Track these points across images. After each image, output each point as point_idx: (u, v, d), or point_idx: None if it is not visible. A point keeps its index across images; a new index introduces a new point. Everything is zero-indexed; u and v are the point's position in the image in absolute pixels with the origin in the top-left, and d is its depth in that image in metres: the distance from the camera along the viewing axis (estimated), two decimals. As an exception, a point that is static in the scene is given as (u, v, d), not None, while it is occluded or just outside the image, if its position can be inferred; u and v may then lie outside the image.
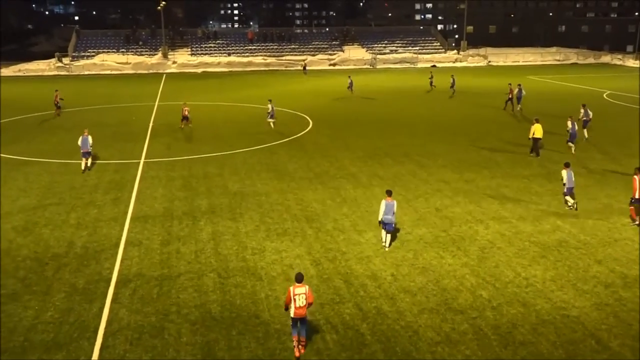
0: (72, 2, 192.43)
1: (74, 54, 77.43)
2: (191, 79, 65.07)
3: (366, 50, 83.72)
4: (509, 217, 19.17)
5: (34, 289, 14.42)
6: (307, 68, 73.44)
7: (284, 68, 77.00)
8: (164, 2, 79.72)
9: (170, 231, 18.11)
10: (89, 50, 78.20)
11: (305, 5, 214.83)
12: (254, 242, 17.19)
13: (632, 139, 30.46)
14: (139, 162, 26.72)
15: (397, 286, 14.45)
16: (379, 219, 16.47)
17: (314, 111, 40.58)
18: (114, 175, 24.51)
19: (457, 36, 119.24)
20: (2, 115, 39.80)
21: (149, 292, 14.26)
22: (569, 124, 28.17)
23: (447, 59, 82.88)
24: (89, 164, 25.59)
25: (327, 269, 15.36)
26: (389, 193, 16.50)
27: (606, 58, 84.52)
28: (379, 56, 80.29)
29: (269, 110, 34.83)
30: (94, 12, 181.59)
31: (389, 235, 16.64)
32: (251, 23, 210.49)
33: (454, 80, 48.53)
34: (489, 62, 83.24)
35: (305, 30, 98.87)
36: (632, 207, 18.37)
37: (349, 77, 51.86)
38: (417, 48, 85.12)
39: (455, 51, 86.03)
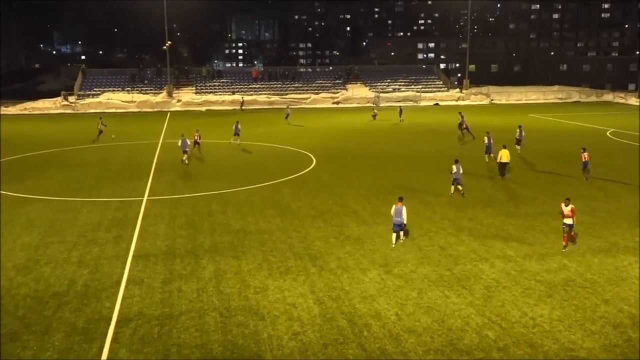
0: (79, 42, 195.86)
1: (79, 92, 78.40)
2: (195, 117, 65.62)
3: (369, 89, 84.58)
4: (514, 255, 19.03)
5: (33, 329, 14.26)
6: (243, 107, 74.52)
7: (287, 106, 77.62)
8: (169, 42, 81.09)
9: (172, 269, 18.00)
10: (95, 89, 79.18)
11: (309, 45, 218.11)
12: (257, 280, 17.06)
13: (635, 176, 30.43)
14: (142, 200, 26.75)
15: (402, 326, 14.25)
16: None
17: (318, 149, 40.77)
18: (117, 213, 24.51)
19: (459, 75, 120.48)
20: (8, 153, 40.01)
21: (149, 331, 14.09)
22: (485, 138, 35.17)
23: (449, 97, 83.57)
24: (186, 161, 35.19)
25: (330, 308, 15.19)
26: (400, 199, 19.92)
27: (608, 96, 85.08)
28: (382, 94, 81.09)
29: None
30: (101, 52, 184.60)
31: (401, 233, 20.04)
32: (255, 62, 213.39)
33: (401, 110, 58.27)
34: (492, 100, 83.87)
35: (309, 69, 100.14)
36: (565, 234, 19.56)
37: (288, 106, 60.52)
38: (420, 86, 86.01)
39: (457, 89, 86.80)
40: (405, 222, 19.63)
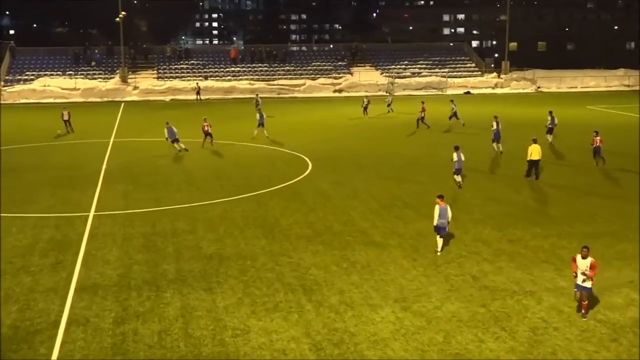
0: (7, 12, 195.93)
1: (7, 77, 78.58)
2: (157, 109, 65.70)
3: (381, 73, 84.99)
4: (569, 287, 18.99)
5: (-55, 382, 14.22)
6: (203, 97, 75.19)
7: (276, 95, 77.91)
8: (123, 13, 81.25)
9: (127, 306, 17.97)
10: (27, 73, 79.38)
11: (304, 17, 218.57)
12: (236, 320, 17.04)
13: None
14: (88, 216, 26.75)
15: (423, 379, 14.25)
16: (434, 224, 21.52)
17: (314, 150, 40.89)
18: (55, 233, 24.50)
19: (496, 55, 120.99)
20: None
21: (96, 386, 14.05)
22: (494, 124, 39.02)
23: (484, 83, 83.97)
24: (183, 147, 40.02)
25: (330, 356, 15.18)
26: (441, 197, 21.67)
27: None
28: (397, 80, 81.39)
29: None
30: (35, 25, 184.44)
31: (441, 240, 21.78)
32: (235, 39, 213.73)
33: (390, 101, 62.22)
34: (538, 87, 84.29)
35: (304, 48, 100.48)
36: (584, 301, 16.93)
37: (257, 94, 65.29)
38: (446, 70, 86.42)
39: (494, 74, 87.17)
40: (449, 222, 21.75)
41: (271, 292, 18.79)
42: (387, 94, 67.47)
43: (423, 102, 52.32)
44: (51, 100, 73.77)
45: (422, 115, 50.34)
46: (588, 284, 16.74)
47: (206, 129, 41.84)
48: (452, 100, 53.16)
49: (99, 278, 19.98)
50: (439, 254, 21.62)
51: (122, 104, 70.56)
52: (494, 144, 39.07)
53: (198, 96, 73.97)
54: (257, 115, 46.35)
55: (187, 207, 28.00)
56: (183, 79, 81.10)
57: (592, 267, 16.69)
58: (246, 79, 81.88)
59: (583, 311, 16.94)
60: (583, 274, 16.65)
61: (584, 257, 16.73)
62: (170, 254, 22.08)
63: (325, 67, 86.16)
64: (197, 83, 76.54)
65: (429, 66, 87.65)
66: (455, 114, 51.36)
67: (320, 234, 24.25)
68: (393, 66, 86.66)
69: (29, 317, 17.27)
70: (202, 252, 22.24)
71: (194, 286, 19.28)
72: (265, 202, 28.78)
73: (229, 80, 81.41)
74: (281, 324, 16.79)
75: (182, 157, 39.21)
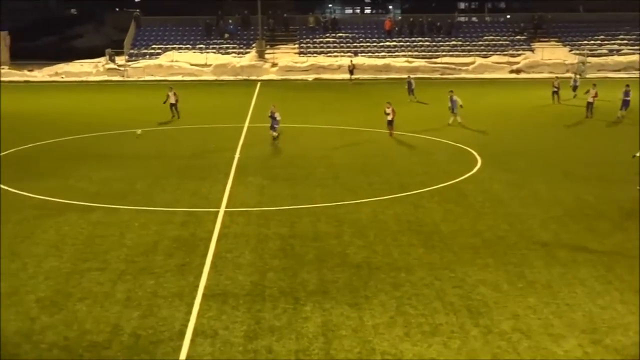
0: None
1: (132, 50, 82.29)
2: (298, 90, 66.85)
3: (570, 50, 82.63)
4: None
5: (61, 393, 15.07)
6: (354, 76, 74.66)
7: (439, 75, 77.43)
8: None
9: (260, 318, 18.37)
10: (153, 46, 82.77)
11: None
12: (386, 343, 17.09)
13: None
14: (218, 212, 27.55)
15: None
16: None
17: (484, 142, 40.48)
18: (181, 231, 25.39)
19: None
20: (29, 138, 42.46)
21: (225, 409, 14.48)
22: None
23: None
24: (276, 134, 41.24)
25: (500, 394, 14.97)
26: None
27: None
28: (589, 59, 78.90)
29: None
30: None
31: None
32: (390, 7, 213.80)
33: (575, 81, 60.64)
34: None
35: (474, 18, 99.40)
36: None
37: (409, 76, 66.82)
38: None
39: None
40: None
41: (429, 312, 18.71)
42: (574, 75, 65.27)
43: (594, 85, 51.94)
44: (179, 77, 76.43)
45: (592, 100, 50.36)
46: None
47: (391, 115, 42.46)
48: (627, 85, 51.15)
49: (230, 285, 20.53)
50: None
51: (258, 84, 72.30)
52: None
53: (351, 75, 74.51)
54: (450, 102, 47.12)
55: (330, 207, 28.31)
56: (329, 54, 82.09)
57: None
58: (403, 56, 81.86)
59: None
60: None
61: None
62: (310, 261, 22.38)
63: (500, 42, 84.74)
64: (351, 60, 77.18)
65: (632, 42, 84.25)
66: (626, 103, 49.47)
67: (490, 245, 23.91)
68: (585, 42, 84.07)
69: (151, 325, 17.98)
70: (348, 261, 22.40)
71: (337, 300, 19.45)
72: (423, 204, 28.68)
73: (383, 56, 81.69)
74: (441, 350, 16.69)
75: (326, 148, 39.66)
